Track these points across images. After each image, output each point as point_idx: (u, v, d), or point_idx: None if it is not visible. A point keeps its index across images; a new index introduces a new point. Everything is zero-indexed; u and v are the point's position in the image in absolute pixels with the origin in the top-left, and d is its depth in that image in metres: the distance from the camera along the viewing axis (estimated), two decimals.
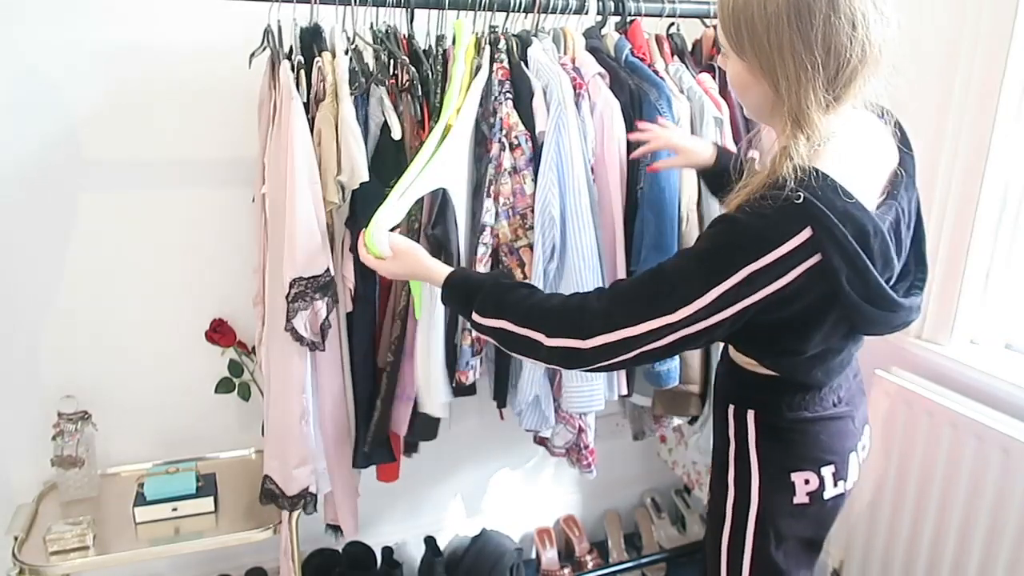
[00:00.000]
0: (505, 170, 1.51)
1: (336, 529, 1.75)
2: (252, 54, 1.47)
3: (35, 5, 1.59)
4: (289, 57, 1.44)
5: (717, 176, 1.42)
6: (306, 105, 1.46)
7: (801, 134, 0.97)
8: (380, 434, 1.63)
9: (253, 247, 1.72)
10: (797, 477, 1.20)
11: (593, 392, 1.56)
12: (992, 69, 1.57)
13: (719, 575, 1.26)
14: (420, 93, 1.50)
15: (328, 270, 1.44)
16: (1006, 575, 1.56)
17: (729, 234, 0.98)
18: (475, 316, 1.13)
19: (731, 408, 1.21)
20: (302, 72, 1.45)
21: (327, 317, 1.45)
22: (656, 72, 1.63)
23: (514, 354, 1.13)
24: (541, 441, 1.82)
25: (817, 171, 0.95)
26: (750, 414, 1.20)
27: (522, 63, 1.56)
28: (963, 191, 1.66)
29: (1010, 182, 1.65)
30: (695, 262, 1.00)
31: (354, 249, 1.50)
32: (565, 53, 1.64)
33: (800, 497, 1.21)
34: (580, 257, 1.51)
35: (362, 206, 1.47)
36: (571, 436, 1.72)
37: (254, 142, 1.62)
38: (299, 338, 1.43)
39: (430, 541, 2.15)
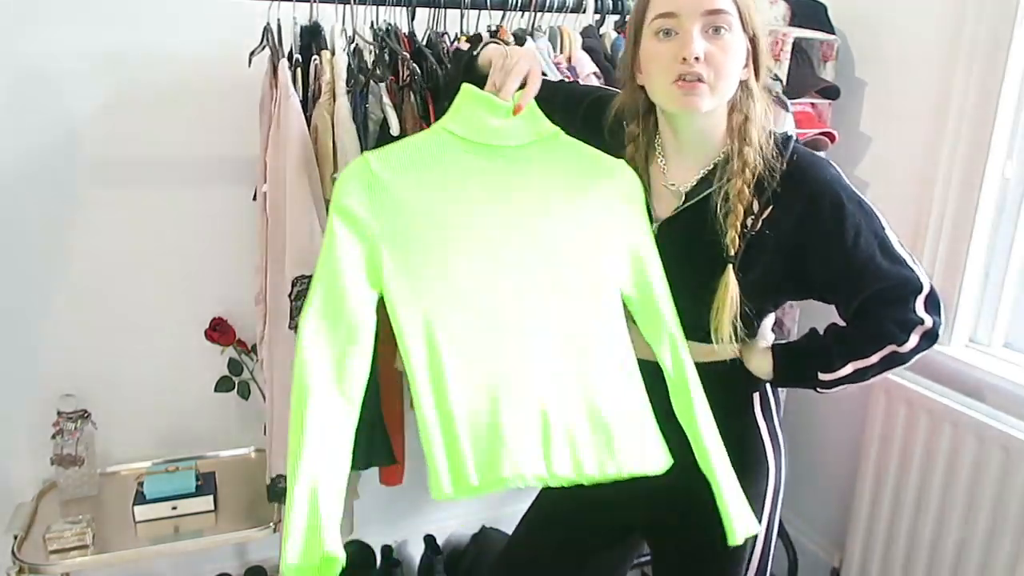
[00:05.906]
0: None
1: None
2: (252, 52, 1.47)
3: (36, 6, 1.60)
4: (288, 56, 1.44)
5: None
6: (305, 103, 1.45)
7: None
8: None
9: (253, 246, 1.72)
10: (782, 432, 1.24)
11: None
12: (992, 69, 1.57)
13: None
14: (421, 88, 1.48)
15: None
16: (1006, 575, 1.56)
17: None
18: (822, 377, 1.12)
19: (756, 396, 1.20)
20: (300, 71, 1.45)
21: None
22: None
23: (875, 378, 1.12)
24: None
25: None
26: (767, 387, 1.21)
27: None
28: (962, 190, 1.66)
29: (1010, 181, 1.64)
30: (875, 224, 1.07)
31: None
32: (561, 52, 1.63)
33: (785, 452, 1.24)
34: None
35: None
36: None
37: (254, 141, 1.62)
38: None
39: (430, 540, 2.15)
